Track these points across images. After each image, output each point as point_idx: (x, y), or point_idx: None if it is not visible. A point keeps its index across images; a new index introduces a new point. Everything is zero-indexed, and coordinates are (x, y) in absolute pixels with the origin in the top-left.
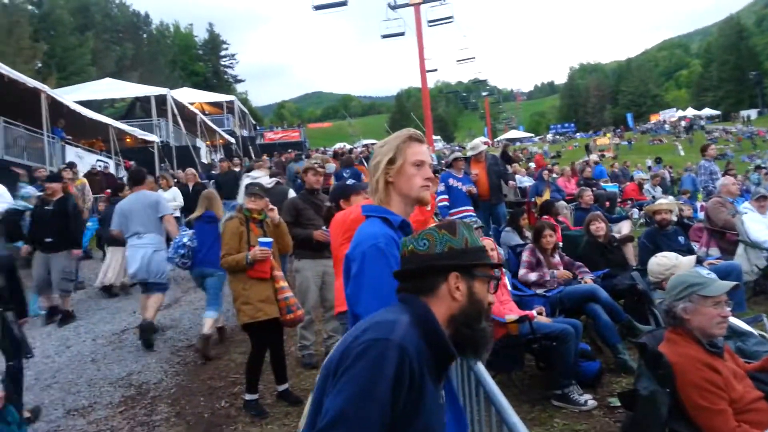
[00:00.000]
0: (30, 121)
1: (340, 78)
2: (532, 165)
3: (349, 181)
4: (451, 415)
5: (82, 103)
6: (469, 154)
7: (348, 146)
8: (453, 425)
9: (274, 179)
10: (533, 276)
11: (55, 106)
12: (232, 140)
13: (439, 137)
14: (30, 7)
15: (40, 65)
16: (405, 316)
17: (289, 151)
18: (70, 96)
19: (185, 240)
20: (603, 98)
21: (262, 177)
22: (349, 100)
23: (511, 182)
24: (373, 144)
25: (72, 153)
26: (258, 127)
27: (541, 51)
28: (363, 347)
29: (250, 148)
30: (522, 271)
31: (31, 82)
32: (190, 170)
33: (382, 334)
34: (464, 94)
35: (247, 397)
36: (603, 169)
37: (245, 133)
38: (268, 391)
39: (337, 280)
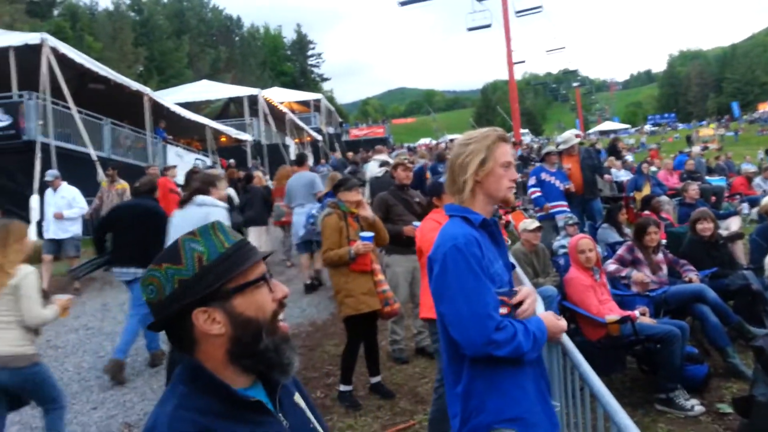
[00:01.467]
0: (134, 122)
1: (423, 73)
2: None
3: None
4: (543, 415)
5: (181, 105)
6: (560, 147)
7: (433, 141)
8: (546, 424)
9: (383, 168)
10: (612, 267)
11: (157, 107)
12: (319, 138)
13: (526, 130)
14: (131, 14)
15: (141, 69)
16: (168, 404)
17: (377, 147)
18: (170, 98)
19: (314, 211)
20: (706, 86)
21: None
22: (433, 95)
23: (606, 176)
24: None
25: (172, 152)
26: (343, 124)
27: (637, 38)
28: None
29: (336, 145)
30: (612, 267)
31: (135, 85)
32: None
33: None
34: (553, 86)
35: (342, 388)
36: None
37: (331, 130)
38: (360, 383)
39: (422, 281)
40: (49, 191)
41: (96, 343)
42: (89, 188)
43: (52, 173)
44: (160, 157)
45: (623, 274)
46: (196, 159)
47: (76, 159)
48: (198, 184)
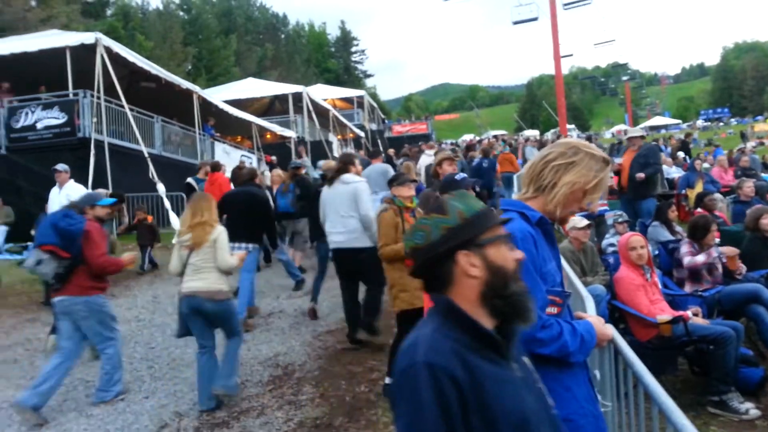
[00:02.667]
0: (183, 120)
1: (467, 68)
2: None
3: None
4: (591, 418)
5: (228, 102)
6: (627, 136)
7: (477, 137)
8: (593, 427)
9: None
10: (702, 257)
11: (205, 105)
12: (362, 134)
13: (573, 126)
14: (181, 13)
15: (190, 67)
16: (427, 327)
17: (420, 143)
18: (217, 96)
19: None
20: (761, 80)
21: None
22: (477, 91)
23: (638, 175)
24: (502, 135)
25: (220, 149)
26: (386, 121)
27: (689, 30)
28: (397, 381)
29: (379, 141)
30: (687, 259)
31: (185, 84)
32: (276, 171)
33: (408, 360)
34: (602, 80)
35: (388, 380)
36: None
37: (374, 126)
38: None
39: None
40: (54, 190)
41: (147, 334)
42: (142, 184)
43: (62, 166)
44: (208, 153)
45: (714, 255)
46: (242, 156)
47: (128, 156)
48: (340, 164)
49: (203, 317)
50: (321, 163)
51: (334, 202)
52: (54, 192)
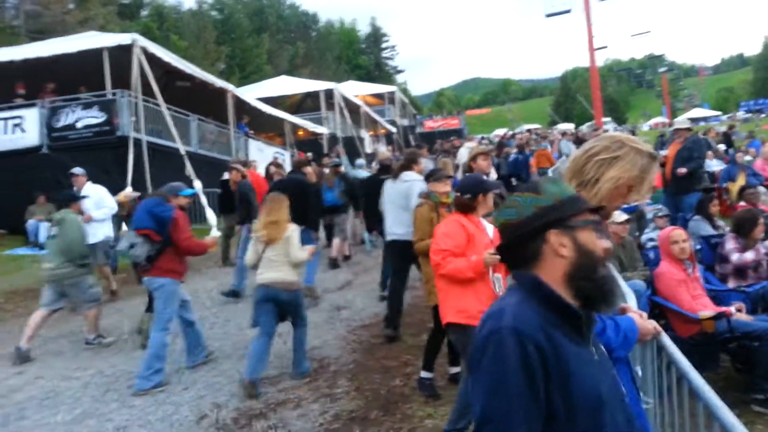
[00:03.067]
0: (218, 118)
1: (498, 63)
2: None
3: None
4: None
5: (261, 100)
6: (674, 128)
7: (509, 132)
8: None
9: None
10: (751, 254)
11: (239, 103)
12: (393, 130)
13: (609, 119)
14: (214, 13)
15: (223, 66)
16: (513, 297)
17: (452, 138)
18: (251, 94)
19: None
20: None
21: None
22: (509, 85)
23: (680, 170)
24: (535, 129)
25: (254, 146)
26: (417, 116)
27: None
28: (481, 344)
29: (410, 137)
30: (735, 256)
31: (219, 82)
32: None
33: (494, 324)
34: (638, 71)
35: (423, 374)
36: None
37: (405, 122)
38: (439, 373)
39: (438, 282)
40: (73, 191)
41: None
42: (179, 181)
43: (79, 170)
44: (242, 151)
45: (762, 251)
46: (276, 152)
47: (166, 154)
48: (404, 162)
49: (275, 305)
50: (360, 161)
51: (392, 196)
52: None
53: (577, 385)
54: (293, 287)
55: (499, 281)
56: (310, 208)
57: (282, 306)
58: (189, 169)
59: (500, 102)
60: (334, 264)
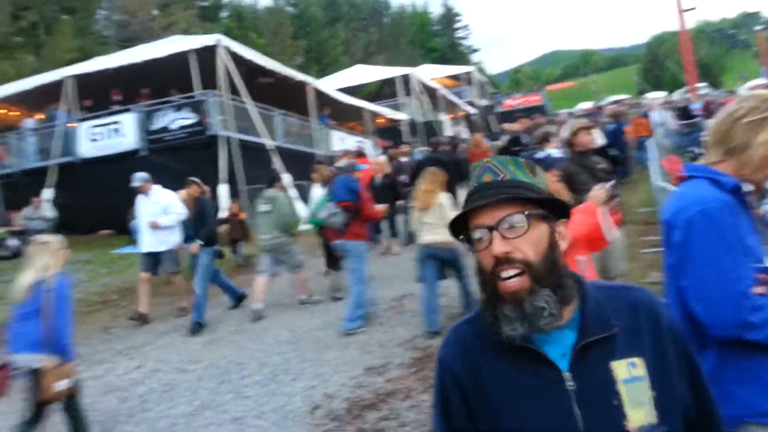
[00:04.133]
0: (299, 111)
1: (578, 34)
2: None
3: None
4: None
5: (339, 90)
6: None
7: (595, 104)
8: None
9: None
10: None
11: (319, 95)
12: (472, 111)
13: (704, 84)
14: (289, 8)
15: (301, 60)
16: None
17: (533, 116)
18: (329, 85)
19: None
20: None
21: None
22: (591, 56)
23: None
24: (623, 99)
25: (336, 136)
26: (495, 95)
27: None
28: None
29: (490, 117)
30: None
31: (299, 76)
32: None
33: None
34: (731, 32)
35: None
36: None
37: (484, 102)
38: None
39: None
40: (140, 198)
41: (290, 317)
42: (268, 176)
43: (141, 176)
44: (325, 142)
45: None
46: (357, 141)
47: (253, 149)
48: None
49: (438, 262)
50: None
51: None
52: (141, 200)
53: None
54: (451, 246)
55: (583, 263)
56: (452, 180)
57: (443, 262)
58: (277, 163)
59: (582, 74)
60: None
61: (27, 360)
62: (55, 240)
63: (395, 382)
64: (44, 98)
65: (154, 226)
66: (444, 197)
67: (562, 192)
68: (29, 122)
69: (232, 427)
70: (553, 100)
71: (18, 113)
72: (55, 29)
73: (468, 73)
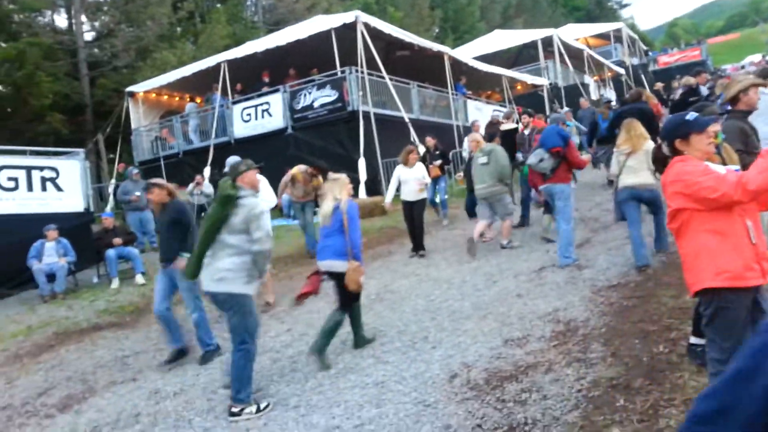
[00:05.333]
0: (435, 82)
1: None
2: None
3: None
4: None
5: (476, 59)
6: None
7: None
8: None
9: None
10: None
11: (455, 64)
12: (622, 71)
13: None
14: None
15: (437, 30)
16: None
17: (696, 69)
18: (466, 53)
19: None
20: None
21: None
22: (761, 2)
23: None
24: None
25: (472, 106)
26: (649, 53)
27: None
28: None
29: (642, 76)
30: None
31: (436, 47)
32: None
33: None
34: None
35: (692, 340)
36: None
37: (635, 61)
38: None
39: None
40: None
41: (425, 288)
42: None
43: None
44: (461, 112)
45: None
46: (494, 110)
47: (391, 123)
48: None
49: (638, 202)
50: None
51: None
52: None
53: None
54: (651, 187)
55: (753, 229)
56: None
57: (642, 202)
58: (414, 136)
59: (750, 24)
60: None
61: (333, 266)
62: (343, 176)
63: (536, 355)
64: (202, 83)
65: None
66: (650, 143)
67: (729, 151)
68: (190, 106)
69: (375, 391)
70: (716, 54)
71: (179, 98)
72: (210, 17)
73: (617, 30)
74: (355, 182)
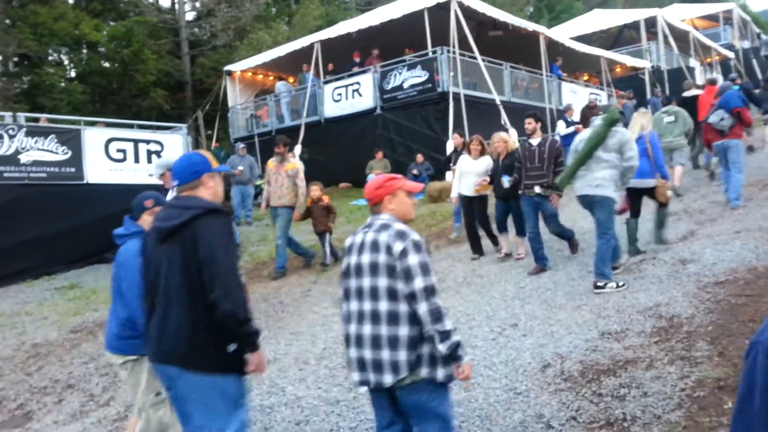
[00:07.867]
0: (528, 63)
1: None
2: None
3: None
4: None
5: (573, 39)
6: None
7: None
8: None
9: None
10: None
11: (551, 45)
12: (731, 55)
13: None
14: None
15: (531, 10)
16: None
17: None
18: (562, 33)
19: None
20: None
21: None
22: None
23: None
24: None
25: (567, 89)
26: (762, 36)
27: None
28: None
29: (754, 60)
30: None
31: (531, 26)
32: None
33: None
34: None
35: None
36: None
37: (747, 44)
38: None
39: None
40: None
41: (515, 274)
42: (495, 131)
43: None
44: (555, 95)
45: None
46: (591, 94)
47: (481, 104)
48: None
49: None
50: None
51: None
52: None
53: None
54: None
55: None
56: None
57: None
58: (504, 119)
59: None
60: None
61: (644, 183)
62: (647, 111)
63: (635, 350)
64: (295, 63)
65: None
66: None
67: None
68: (279, 85)
69: None
70: None
71: (273, 77)
72: None
73: (728, 11)
74: (441, 164)
